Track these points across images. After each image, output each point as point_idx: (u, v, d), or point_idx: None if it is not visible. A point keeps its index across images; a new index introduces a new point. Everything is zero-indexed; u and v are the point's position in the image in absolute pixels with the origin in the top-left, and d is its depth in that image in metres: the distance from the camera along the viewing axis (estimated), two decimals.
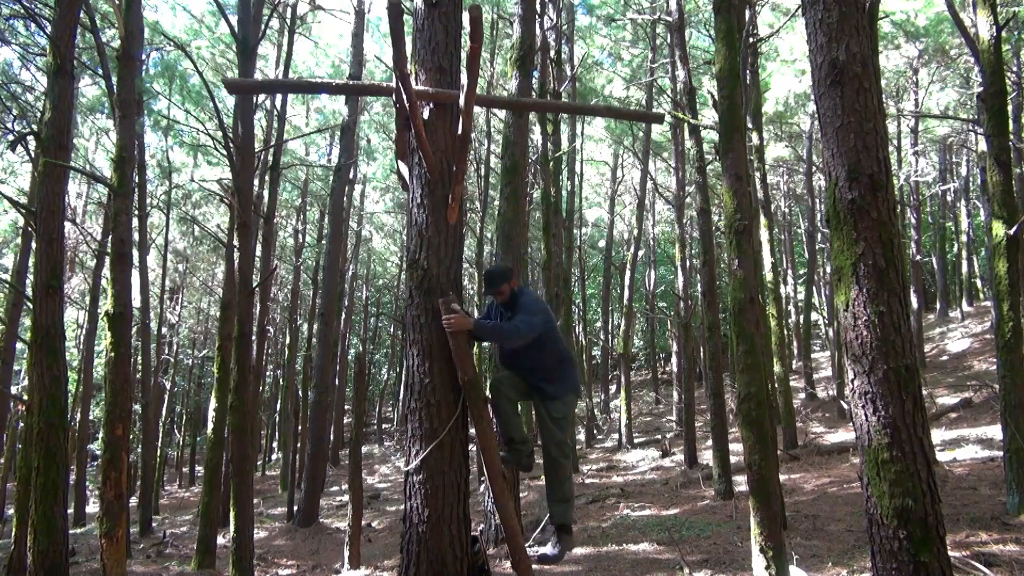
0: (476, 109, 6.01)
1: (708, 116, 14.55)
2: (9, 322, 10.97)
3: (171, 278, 24.83)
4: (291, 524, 13.68)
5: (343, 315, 24.27)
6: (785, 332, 16.49)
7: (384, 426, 32.00)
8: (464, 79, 3.25)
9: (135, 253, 12.56)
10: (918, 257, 19.70)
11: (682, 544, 7.12)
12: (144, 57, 13.92)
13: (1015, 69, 13.38)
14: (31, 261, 9.50)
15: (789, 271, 24.30)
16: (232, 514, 8.24)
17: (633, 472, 15.08)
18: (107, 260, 8.60)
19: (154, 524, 14.71)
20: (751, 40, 9.48)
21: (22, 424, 12.72)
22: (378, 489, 18.36)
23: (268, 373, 27.11)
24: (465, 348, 3.27)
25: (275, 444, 30.53)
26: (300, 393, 18.76)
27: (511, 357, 3.77)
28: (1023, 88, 12.61)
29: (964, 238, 25.40)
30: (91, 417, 19.64)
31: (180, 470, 28.95)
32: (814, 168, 18.72)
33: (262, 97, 13.80)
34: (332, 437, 22.25)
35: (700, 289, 12.44)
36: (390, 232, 29.73)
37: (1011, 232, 6.65)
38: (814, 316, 24.20)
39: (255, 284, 9.15)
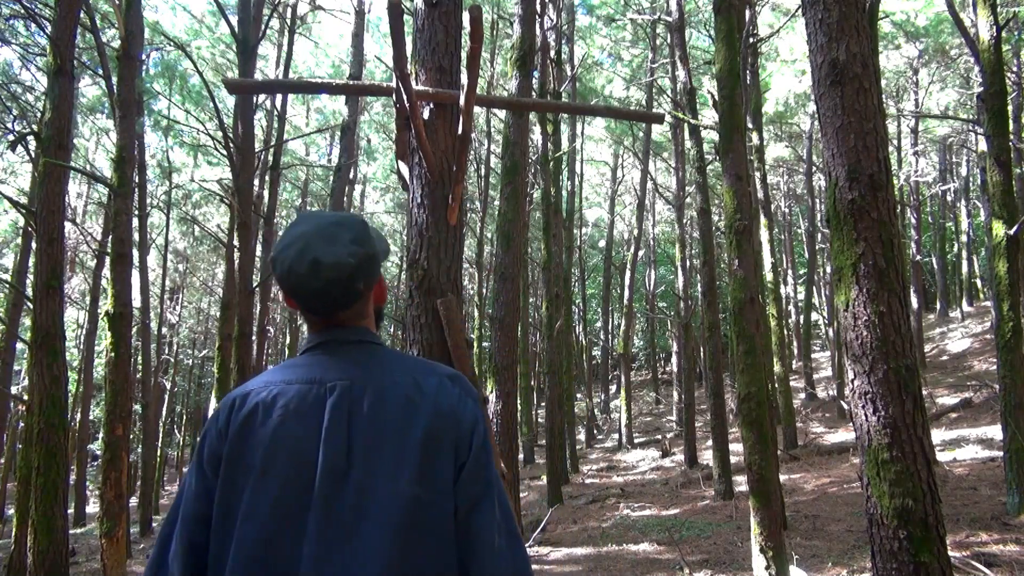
0: (476, 109, 6.02)
1: (708, 116, 14.54)
2: (9, 322, 10.96)
3: (171, 278, 24.83)
4: None
5: None
6: (785, 332, 16.48)
7: None
8: (464, 79, 3.25)
9: (135, 253, 12.56)
10: (918, 257, 19.69)
11: (682, 544, 7.13)
12: (144, 57, 13.91)
13: (1015, 69, 13.37)
14: (31, 261, 9.51)
15: (789, 271, 24.30)
16: None
17: (633, 472, 15.09)
18: (107, 260, 8.60)
19: (154, 524, 14.70)
20: (751, 40, 9.48)
21: (22, 424, 12.72)
22: None
23: None
24: (464, 349, 3.27)
25: None
26: None
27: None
28: (1023, 88, 12.60)
29: (964, 238, 25.41)
30: (91, 417, 19.63)
31: (180, 470, 28.96)
32: (814, 168, 18.72)
33: (262, 97, 13.80)
34: None
35: (700, 289, 12.44)
36: (390, 232, 29.72)
37: (1011, 232, 6.65)
38: (814, 316, 24.19)
39: (255, 284, 9.15)
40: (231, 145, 9.07)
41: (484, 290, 19.01)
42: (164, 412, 23.89)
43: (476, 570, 1.00)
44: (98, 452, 16.12)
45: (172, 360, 24.98)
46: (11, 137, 9.82)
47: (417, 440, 1.02)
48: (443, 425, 1.04)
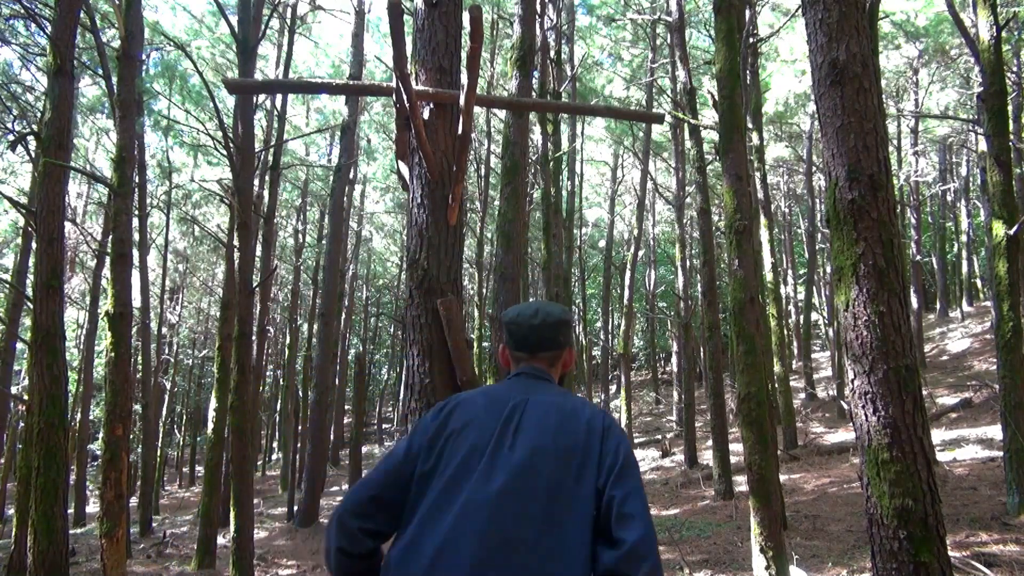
0: (476, 109, 6.01)
1: (708, 116, 14.55)
2: (9, 322, 10.96)
3: (171, 278, 24.83)
4: (291, 524, 13.68)
5: (343, 315, 24.27)
6: (785, 332, 16.48)
7: (384, 426, 32.01)
8: (464, 79, 3.25)
9: (135, 253, 12.56)
10: (918, 257, 19.69)
11: (682, 544, 7.13)
12: (144, 57, 13.91)
13: (1015, 69, 13.37)
14: (31, 261, 9.52)
15: (789, 271, 24.30)
16: (232, 514, 8.24)
17: None
18: (107, 260, 8.60)
19: (154, 524, 14.71)
20: (751, 40, 9.48)
21: (22, 424, 12.72)
22: None
23: (268, 373, 27.10)
24: (464, 349, 3.27)
25: (275, 444, 30.54)
26: (300, 393, 18.76)
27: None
28: (1023, 88, 12.61)
29: (964, 238, 25.41)
30: (91, 417, 19.63)
31: (180, 470, 28.95)
32: (814, 168, 18.71)
33: (262, 97, 13.80)
34: (332, 437, 22.26)
35: (700, 289, 12.44)
36: (390, 232, 29.73)
37: (1011, 232, 6.65)
38: (814, 316, 24.20)
39: (255, 284, 9.15)
40: (231, 145, 9.07)
41: (484, 290, 19.01)
42: (164, 412, 23.88)
43: (626, 534, 1.30)
44: (98, 452, 16.12)
45: (172, 360, 24.97)
46: (11, 137, 9.82)
47: (565, 442, 1.40)
48: (590, 440, 1.41)
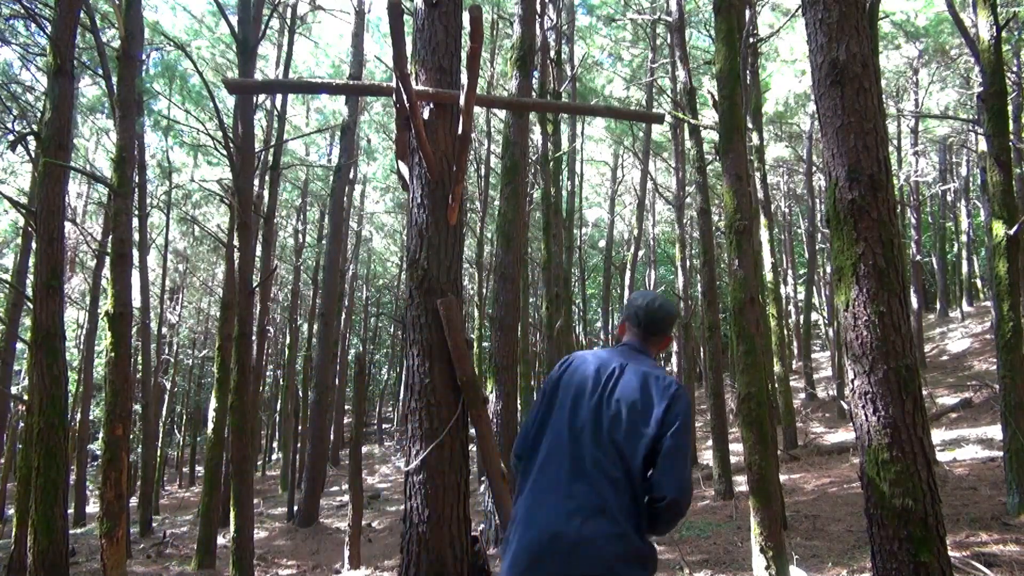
0: (476, 109, 6.02)
1: (708, 116, 14.53)
2: (9, 322, 10.96)
3: (171, 278, 24.82)
4: (291, 524, 13.68)
5: (343, 315, 24.27)
6: (785, 332, 16.49)
7: (384, 426, 32.01)
8: (464, 79, 3.25)
9: (135, 253, 12.55)
10: (918, 257, 19.69)
11: (682, 544, 7.13)
12: (144, 57, 13.91)
13: (1015, 69, 13.37)
14: (31, 261, 9.51)
15: (789, 271, 24.30)
16: (232, 514, 8.24)
17: None
18: (107, 260, 8.60)
19: (154, 524, 14.71)
20: (751, 40, 9.49)
21: (22, 424, 12.72)
22: (378, 489, 18.37)
23: (268, 373, 27.10)
24: (464, 348, 3.28)
25: (275, 444, 30.54)
26: (300, 393, 18.77)
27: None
28: (1023, 88, 12.60)
29: (964, 238, 25.40)
30: (91, 417, 19.62)
31: (180, 470, 28.95)
32: (814, 168, 18.72)
33: (262, 97, 13.80)
34: (332, 437, 22.25)
35: (700, 289, 12.44)
36: (390, 232, 29.72)
37: (1011, 232, 6.65)
38: (814, 316, 24.19)
39: (255, 284, 9.15)
40: (231, 145, 9.07)
41: (484, 290, 19.02)
42: (164, 412, 23.88)
43: (658, 474, 1.86)
44: (98, 452, 16.13)
45: (172, 360, 24.96)
46: (11, 137, 9.83)
47: (643, 400, 1.92)
48: (660, 404, 1.92)
